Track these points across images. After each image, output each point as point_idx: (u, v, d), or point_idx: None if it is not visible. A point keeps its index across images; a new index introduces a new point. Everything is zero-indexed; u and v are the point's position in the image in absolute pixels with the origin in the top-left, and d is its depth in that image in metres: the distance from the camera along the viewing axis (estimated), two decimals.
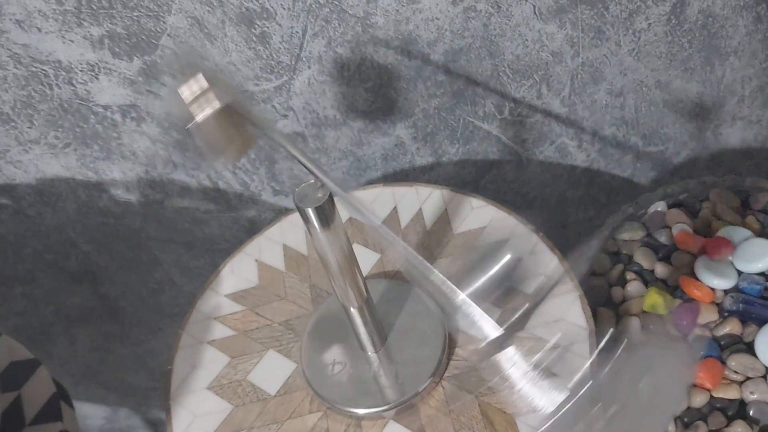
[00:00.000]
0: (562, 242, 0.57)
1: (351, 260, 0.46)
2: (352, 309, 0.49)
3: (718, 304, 0.59)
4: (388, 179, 0.74)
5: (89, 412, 0.97)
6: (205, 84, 0.37)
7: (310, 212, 0.41)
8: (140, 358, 0.90)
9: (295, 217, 0.65)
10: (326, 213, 0.42)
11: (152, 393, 0.97)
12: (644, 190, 0.72)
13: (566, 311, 0.53)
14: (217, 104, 0.37)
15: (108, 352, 0.89)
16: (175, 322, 0.86)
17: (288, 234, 0.63)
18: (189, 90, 0.37)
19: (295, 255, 0.62)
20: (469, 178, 0.77)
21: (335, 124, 0.68)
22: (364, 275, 0.57)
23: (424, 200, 0.63)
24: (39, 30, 0.56)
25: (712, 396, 0.54)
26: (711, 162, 0.85)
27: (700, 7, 0.67)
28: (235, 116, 0.38)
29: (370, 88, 0.65)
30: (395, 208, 0.64)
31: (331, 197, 0.42)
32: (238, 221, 0.75)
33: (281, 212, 0.75)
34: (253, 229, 0.76)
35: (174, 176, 0.69)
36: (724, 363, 0.55)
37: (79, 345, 0.87)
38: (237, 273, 0.61)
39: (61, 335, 0.85)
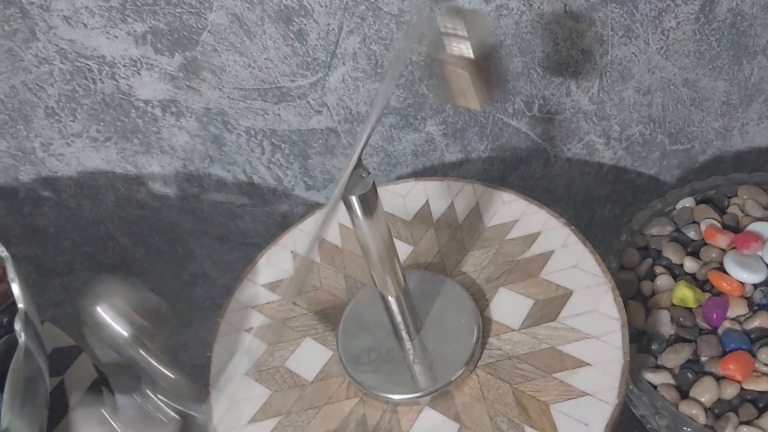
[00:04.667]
0: (588, 239, 0.58)
1: (391, 249, 0.47)
2: (389, 297, 0.50)
3: (747, 298, 0.59)
4: (418, 175, 0.76)
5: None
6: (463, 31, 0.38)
7: (354, 200, 0.43)
8: (171, 351, 0.92)
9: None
10: (369, 201, 0.43)
11: None
12: (670, 189, 0.73)
13: (598, 302, 0.53)
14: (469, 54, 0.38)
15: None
16: (207, 315, 0.87)
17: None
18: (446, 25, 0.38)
19: (329, 247, 0.63)
20: (497, 175, 0.78)
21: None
22: None
23: (455, 194, 0.65)
24: (85, 26, 0.58)
25: (742, 388, 0.55)
26: (737, 161, 0.86)
27: (729, 6, 0.68)
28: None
29: (402, 85, 0.67)
30: (427, 202, 0.65)
31: (374, 186, 0.43)
32: (271, 216, 0.77)
33: (313, 207, 0.76)
34: (286, 223, 0.77)
35: (210, 170, 0.71)
36: (754, 356, 0.56)
37: None
38: (273, 264, 0.63)
39: None
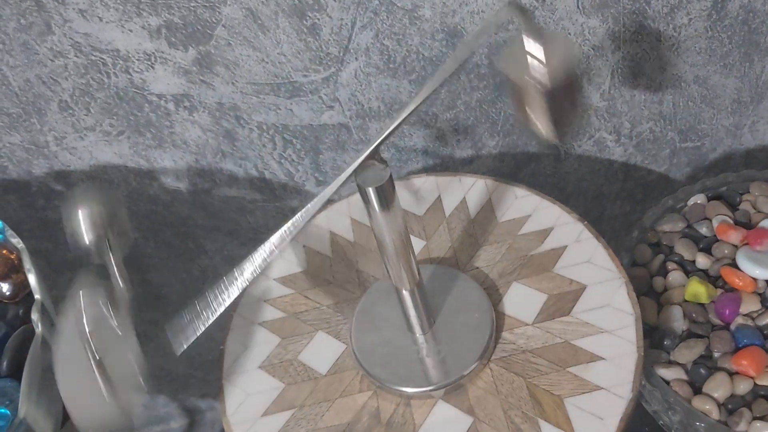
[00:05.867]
0: None
1: (406, 242, 0.47)
2: (404, 291, 0.50)
3: (760, 294, 0.59)
4: (428, 171, 0.76)
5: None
6: None
7: (371, 192, 0.43)
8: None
9: (341, 205, 0.66)
10: (386, 193, 0.43)
11: (190, 381, 0.98)
12: (680, 186, 0.73)
13: (612, 297, 0.53)
14: None
15: (149, 339, 0.90)
16: None
17: (334, 221, 0.65)
18: None
19: (341, 241, 0.63)
20: (508, 171, 0.78)
21: (379, 115, 0.69)
22: None
23: (467, 189, 0.65)
24: (100, 19, 0.58)
25: (755, 384, 0.55)
26: (747, 158, 0.86)
27: (741, 3, 0.68)
28: None
29: (414, 80, 0.67)
30: (439, 197, 0.65)
31: (391, 178, 0.43)
32: (282, 211, 0.77)
33: (324, 203, 0.76)
34: None
35: (222, 165, 0.71)
36: (767, 351, 0.56)
37: None
38: (286, 258, 0.63)
39: None
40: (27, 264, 0.48)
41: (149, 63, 0.62)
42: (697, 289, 0.59)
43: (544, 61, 0.36)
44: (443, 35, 0.63)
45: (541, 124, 0.38)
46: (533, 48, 0.36)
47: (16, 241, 0.51)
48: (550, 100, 0.37)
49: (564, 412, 0.48)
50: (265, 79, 0.64)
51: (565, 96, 0.37)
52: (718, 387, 0.55)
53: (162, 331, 0.92)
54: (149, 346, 0.91)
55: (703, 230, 0.65)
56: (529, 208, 0.61)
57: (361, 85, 0.66)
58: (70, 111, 0.64)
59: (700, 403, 0.54)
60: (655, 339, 0.59)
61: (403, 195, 0.66)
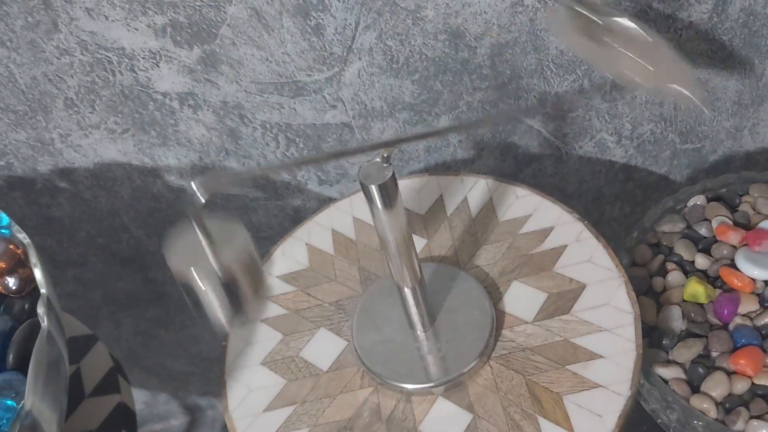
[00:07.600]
0: None
1: (409, 240, 0.48)
2: (405, 288, 0.51)
3: (758, 295, 0.60)
4: (430, 171, 0.76)
5: None
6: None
7: (374, 189, 0.43)
8: (182, 344, 0.93)
9: (343, 203, 0.67)
10: (389, 191, 0.43)
11: (191, 378, 0.99)
12: (680, 188, 0.73)
13: (611, 296, 0.54)
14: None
15: (151, 336, 0.91)
16: None
17: (336, 219, 0.65)
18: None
19: (343, 239, 0.64)
20: (509, 172, 0.78)
21: (381, 115, 0.70)
22: None
23: (469, 189, 0.65)
24: (106, 18, 0.59)
25: (753, 383, 0.55)
26: (747, 161, 0.86)
27: (741, 5, 0.68)
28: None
29: (417, 81, 0.67)
30: (441, 196, 0.65)
31: (394, 176, 0.43)
32: (284, 209, 0.77)
33: (326, 201, 0.77)
34: (298, 217, 0.78)
35: (226, 163, 0.71)
36: (765, 351, 0.56)
37: (124, 329, 0.89)
38: (288, 256, 0.63)
39: (107, 319, 0.87)
40: (33, 259, 0.48)
41: (154, 61, 0.62)
42: (696, 289, 0.60)
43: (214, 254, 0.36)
44: (446, 36, 0.64)
45: (218, 313, 0.38)
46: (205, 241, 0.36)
47: (22, 237, 0.51)
48: (227, 290, 0.37)
49: (563, 410, 0.48)
50: (269, 79, 0.65)
51: (245, 282, 0.38)
52: (716, 386, 0.55)
53: (164, 329, 0.92)
54: (151, 344, 0.92)
55: (703, 231, 0.66)
56: (529, 208, 0.62)
57: (364, 85, 0.67)
58: (76, 109, 0.65)
59: (698, 402, 0.55)
60: (654, 338, 0.59)
61: (405, 194, 0.66)
